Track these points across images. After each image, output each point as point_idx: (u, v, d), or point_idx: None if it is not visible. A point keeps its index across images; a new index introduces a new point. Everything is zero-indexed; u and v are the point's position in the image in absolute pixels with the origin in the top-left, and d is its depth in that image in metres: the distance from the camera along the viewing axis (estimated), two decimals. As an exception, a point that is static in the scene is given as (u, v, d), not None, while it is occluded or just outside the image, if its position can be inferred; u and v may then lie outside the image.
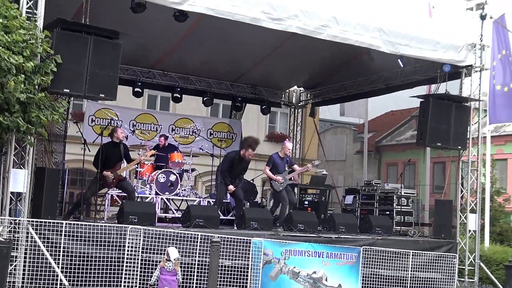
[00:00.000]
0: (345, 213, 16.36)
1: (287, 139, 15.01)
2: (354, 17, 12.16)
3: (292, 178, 13.54)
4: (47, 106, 9.38)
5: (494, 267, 14.64)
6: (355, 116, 25.92)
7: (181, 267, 9.69)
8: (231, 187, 12.89)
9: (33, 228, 9.31)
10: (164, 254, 9.60)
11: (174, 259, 9.43)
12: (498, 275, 14.11)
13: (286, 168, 13.54)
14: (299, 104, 19.99)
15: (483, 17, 14.00)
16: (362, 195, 16.97)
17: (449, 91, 14.08)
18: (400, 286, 12.01)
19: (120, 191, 13.21)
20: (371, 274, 11.79)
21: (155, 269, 9.54)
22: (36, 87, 9.26)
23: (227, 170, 12.89)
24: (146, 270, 9.86)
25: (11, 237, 9.18)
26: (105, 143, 12.05)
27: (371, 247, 11.96)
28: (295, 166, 13.73)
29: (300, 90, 19.78)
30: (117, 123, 17.12)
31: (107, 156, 11.82)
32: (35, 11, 9.60)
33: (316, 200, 16.20)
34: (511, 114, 14.50)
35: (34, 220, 9.42)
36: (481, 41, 13.95)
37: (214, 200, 14.02)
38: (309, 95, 19.63)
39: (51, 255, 9.33)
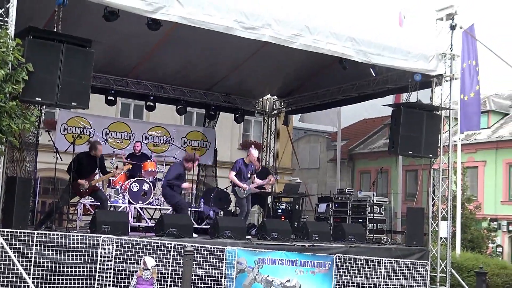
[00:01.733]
0: (319, 221, 16.42)
1: (252, 146, 14.95)
2: (326, 26, 12.26)
3: (265, 187, 13.56)
4: (18, 115, 9.29)
5: (465, 274, 14.84)
6: (327, 124, 26.09)
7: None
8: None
9: (3, 238, 9.20)
10: (137, 263, 9.55)
11: (152, 267, 9.41)
12: (470, 282, 14.30)
13: (249, 175, 13.57)
14: (273, 113, 20.07)
15: (453, 27, 14.23)
16: (335, 203, 17.05)
17: (420, 99, 14.25)
18: (373, 294, 12.10)
19: (93, 200, 13.11)
20: (344, 282, 11.86)
21: (129, 279, 9.49)
22: (7, 95, 9.16)
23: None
24: (119, 280, 9.80)
25: (-19, 247, 9.06)
26: (82, 152, 12.00)
27: (344, 255, 12.03)
28: (255, 178, 13.74)
29: (273, 99, 19.86)
30: (90, 131, 17.01)
31: (83, 166, 11.76)
32: (6, 18, 9.51)
33: (289, 208, 16.20)
34: (478, 122, 14.76)
35: (5, 230, 9.31)
36: (451, 50, 14.17)
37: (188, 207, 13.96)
38: (282, 103, 19.71)
39: (22, 265, 9.22)
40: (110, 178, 13.94)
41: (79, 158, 11.76)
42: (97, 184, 12.31)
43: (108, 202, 13.00)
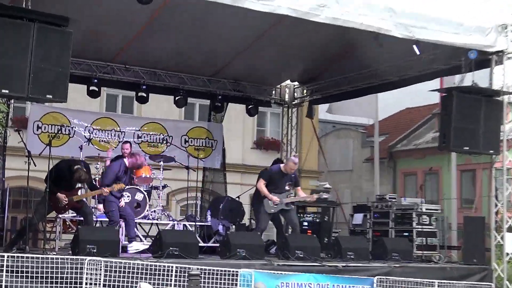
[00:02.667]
0: (354, 236, 16.44)
1: (295, 155, 15.05)
2: (358, -6, 12.24)
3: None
4: (-19, 112, 9.39)
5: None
6: (362, 116, 26.07)
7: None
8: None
9: (-34, 264, 9.27)
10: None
11: (150, 296, 9.48)
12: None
13: (287, 188, 13.63)
14: (294, 103, 20.04)
15: (516, -9, 14.15)
16: (374, 213, 17.01)
17: (476, 82, 14.16)
18: (423, 324, 12.08)
19: (75, 214, 13.18)
20: (387, 310, 11.85)
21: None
22: (-33, 89, 9.25)
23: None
24: (109, 312, 9.86)
25: None
26: (63, 161, 12.14)
27: (387, 277, 12.00)
28: (299, 190, 13.89)
29: (294, 85, 19.83)
30: (69, 130, 17.11)
31: (63, 178, 11.83)
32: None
33: (317, 220, 16.23)
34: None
35: (-32, 253, 9.37)
36: (515, 21, 14.08)
37: (191, 223, 14.03)
38: (305, 91, 19.69)
39: (-11, 296, 9.30)
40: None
41: (59, 169, 11.82)
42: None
43: (94, 216, 13.06)
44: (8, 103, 15.08)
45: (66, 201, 11.90)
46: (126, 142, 15.92)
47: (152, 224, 14.85)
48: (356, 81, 17.80)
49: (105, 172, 12.84)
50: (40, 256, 9.85)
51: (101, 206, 12.60)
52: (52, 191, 11.67)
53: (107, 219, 13.10)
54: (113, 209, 12.75)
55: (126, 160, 12.96)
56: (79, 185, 12.38)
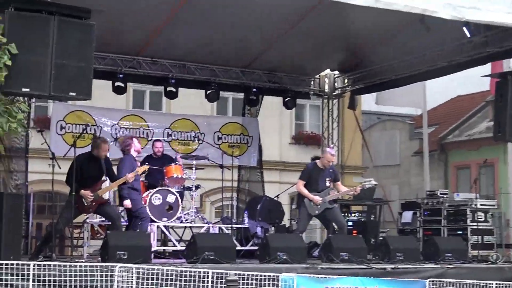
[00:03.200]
0: (403, 236, 16.38)
1: (330, 146, 15.03)
2: (401, -27, 12.14)
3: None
4: (1, 112, 9.47)
5: None
6: (406, 106, 25.87)
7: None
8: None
9: (-10, 273, 9.38)
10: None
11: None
12: None
13: (328, 184, 13.61)
14: (334, 93, 19.98)
15: None
16: (424, 211, 16.92)
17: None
18: (480, 330, 11.96)
19: (103, 218, 13.29)
20: (441, 315, 11.77)
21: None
22: (-14, 87, 9.36)
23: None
24: (142, 322, 9.92)
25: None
26: (81, 154, 12.17)
27: (441, 280, 11.89)
28: (340, 185, 13.85)
29: (334, 75, 19.76)
30: (94, 129, 17.22)
31: (84, 172, 11.92)
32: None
33: (363, 219, 16.20)
34: None
35: (-8, 262, 9.49)
36: None
37: (227, 225, 14.07)
38: (346, 80, 19.61)
39: (15, 307, 9.41)
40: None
41: (79, 162, 11.90)
42: (106, 196, 12.46)
43: (122, 220, 13.16)
44: (29, 102, 15.21)
45: (91, 196, 11.98)
46: (158, 140, 16.07)
47: (185, 227, 14.90)
48: (401, 69, 17.67)
49: (118, 168, 12.85)
50: (68, 264, 9.93)
51: (128, 202, 12.61)
52: (76, 190, 11.78)
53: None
54: (141, 206, 12.96)
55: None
56: (104, 178, 12.42)
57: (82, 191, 11.90)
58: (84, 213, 12.53)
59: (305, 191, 13.42)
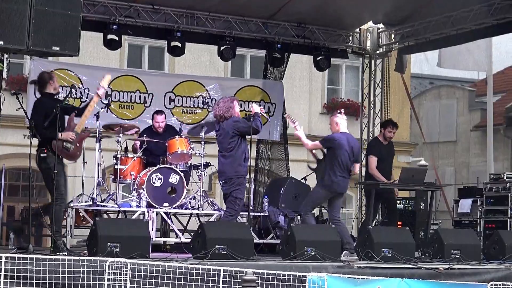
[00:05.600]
0: (460, 229, 16.39)
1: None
2: None
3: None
4: (-31, 70, 9.54)
5: None
6: (470, 69, 25.74)
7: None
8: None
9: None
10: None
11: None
12: None
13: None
14: (378, 52, 19.96)
15: None
16: (486, 198, 16.90)
17: None
18: None
19: (90, 203, 13.44)
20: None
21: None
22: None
23: None
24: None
25: None
26: (41, 97, 12.44)
27: (505, 283, 11.90)
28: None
29: (378, 29, 19.71)
30: (81, 92, 17.23)
31: (50, 116, 12.06)
32: None
33: (410, 208, 16.19)
34: None
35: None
36: None
37: (243, 213, 14.09)
38: (393, 36, 19.56)
39: (-16, 308, 9.51)
40: (115, 165, 14.24)
41: (42, 103, 12.18)
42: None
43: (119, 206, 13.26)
44: (2, 58, 15.25)
45: (73, 137, 12.16)
46: (159, 112, 15.95)
47: (191, 214, 14.94)
48: (460, 22, 17.58)
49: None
50: (48, 257, 10.02)
51: None
52: (50, 138, 11.93)
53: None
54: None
55: None
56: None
57: (62, 134, 12.01)
58: (73, 159, 12.71)
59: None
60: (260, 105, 16.96)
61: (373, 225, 14.49)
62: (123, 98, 18.01)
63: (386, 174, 15.12)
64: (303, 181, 16.64)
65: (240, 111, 18.59)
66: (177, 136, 14.88)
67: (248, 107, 18.92)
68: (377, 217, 15.94)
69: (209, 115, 18.29)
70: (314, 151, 14.37)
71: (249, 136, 13.55)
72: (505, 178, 17.01)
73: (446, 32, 18.07)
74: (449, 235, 13.67)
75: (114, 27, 16.90)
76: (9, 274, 9.69)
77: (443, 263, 12.59)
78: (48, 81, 12.41)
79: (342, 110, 14.62)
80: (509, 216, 16.42)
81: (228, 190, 13.12)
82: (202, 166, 15.07)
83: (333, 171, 13.47)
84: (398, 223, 15.87)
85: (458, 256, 12.99)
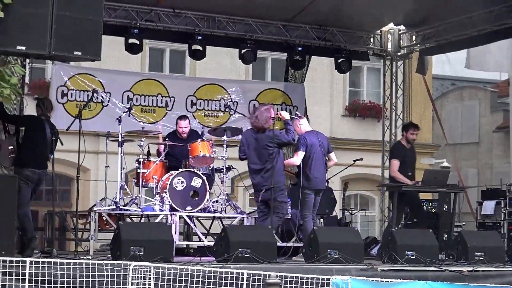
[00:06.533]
0: (483, 231, 16.29)
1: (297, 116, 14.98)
2: None
3: None
4: (-9, 75, 9.56)
5: None
6: (493, 70, 25.63)
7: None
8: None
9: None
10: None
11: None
12: None
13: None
14: (399, 53, 19.91)
15: None
16: (510, 200, 16.80)
17: None
18: None
19: (114, 207, 13.46)
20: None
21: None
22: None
23: None
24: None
25: None
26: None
27: (530, 286, 11.88)
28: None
29: (399, 30, 19.67)
30: (102, 96, 17.25)
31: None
32: None
33: (433, 210, 16.14)
34: None
35: (-20, 258, 9.62)
36: None
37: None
38: (414, 37, 19.51)
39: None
40: (137, 169, 14.28)
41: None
42: None
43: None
44: (24, 63, 15.30)
45: None
46: (183, 117, 15.91)
47: (214, 218, 14.95)
48: (483, 23, 17.50)
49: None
50: (72, 261, 10.06)
51: None
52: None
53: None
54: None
55: None
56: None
57: None
58: None
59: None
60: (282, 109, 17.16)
61: (397, 227, 14.41)
62: (144, 102, 18.02)
63: (411, 177, 15.08)
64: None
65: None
66: (199, 140, 14.88)
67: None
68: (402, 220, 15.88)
69: (231, 119, 18.32)
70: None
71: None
72: (529, 179, 16.94)
73: (468, 33, 18.01)
74: (473, 237, 13.64)
75: (135, 31, 16.94)
76: (33, 278, 9.73)
77: (467, 265, 12.54)
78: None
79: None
80: (533, 217, 16.36)
81: (271, 196, 13.09)
82: (225, 169, 15.06)
83: (310, 170, 13.62)
84: (422, 225, 15.89)
85: (482, 258, 12.97)
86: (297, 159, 13.67)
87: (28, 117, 12.87)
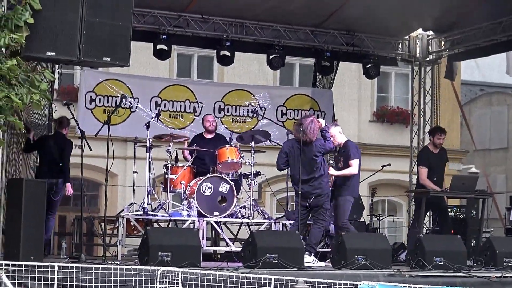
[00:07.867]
0: (512, 237, 16.20)
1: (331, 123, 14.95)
2: None
3: None
4: (21, 81, 9.57)
5: None
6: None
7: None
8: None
9: (7, 276, 9.54)
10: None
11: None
12: None
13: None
14: (428, 59, 19.84)
15: None
16: (540, 206, 16.76)
17: None
18: None
19: (141, 212, 13.51)
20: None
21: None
22: (3, 50, 9.46)
23: None
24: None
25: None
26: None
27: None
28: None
29: (428, 36, 19.61)
30: (130, 102, 17.31)
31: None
32: None
33: (461, 216, 16.06)
34: None
35: (9, 263, 9.60)
36: None
37: (293, 221, 14.07)
38: (443, 43, 19.43)
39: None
40: (165, 174, 14.29)
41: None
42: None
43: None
44: (54, 69, 15.37)
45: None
46: (209, 114, 16.06)
47: (241, 223, 14.94)
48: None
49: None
50: (100, 266, 10.09)
51: None
52: None
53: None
54: None
55: None
56: None
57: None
58: None
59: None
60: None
61: (424, 233, 14.37)
62: (172, 107, 18.05)
63: (437, 183, 15.02)
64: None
65: (289, 119, 18.81)
66: (227, 145, 14.91)
67: (298, 115, 18.99)
68: (427, 225, 15.84)
69: (259, 124, 18.30)
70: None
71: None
72: (559, 185, 16.85)
73: (497, 38, 17.93)
74: (501, 243, 13.55)
75: (164, 37, 16.99)
76: (62, 283, 9.77)
77: (496, 271, 12.47)
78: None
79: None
80: (562, 223, 16.28)
81: (320, 202, 13.08)
82: (252, 175, 15.07)
83: (353, 178, 13.63)
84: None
85: (510, 264, 12.88)
86: (355, 168, 13.58)
87: (38, 140, 13.99)
